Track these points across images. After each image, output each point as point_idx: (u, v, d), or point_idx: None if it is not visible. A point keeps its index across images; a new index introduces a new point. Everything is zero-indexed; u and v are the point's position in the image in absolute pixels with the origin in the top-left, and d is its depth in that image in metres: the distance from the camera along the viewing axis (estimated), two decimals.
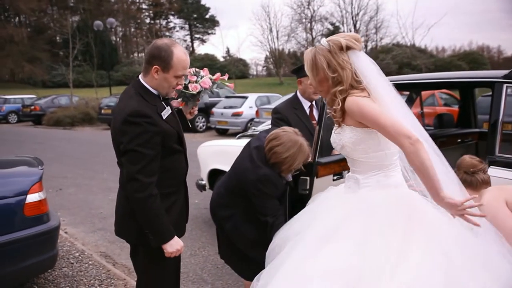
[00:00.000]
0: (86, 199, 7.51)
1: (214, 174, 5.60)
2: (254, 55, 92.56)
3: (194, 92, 2.76)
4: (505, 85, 3.28)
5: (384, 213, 2.07)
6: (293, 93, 4.01)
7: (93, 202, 7.29)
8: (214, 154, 5.70)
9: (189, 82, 2.76)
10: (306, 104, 3.85)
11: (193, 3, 66.92)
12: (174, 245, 2.43)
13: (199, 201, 6.78)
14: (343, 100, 2.17)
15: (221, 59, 55.52)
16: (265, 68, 64.03)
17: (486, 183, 2.79)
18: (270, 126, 6.22)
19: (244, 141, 5.51)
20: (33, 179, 3.60)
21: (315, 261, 2.03)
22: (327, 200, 2.41)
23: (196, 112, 2.95)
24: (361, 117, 2.11)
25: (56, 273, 4.38)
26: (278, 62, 48.27)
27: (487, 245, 2.08)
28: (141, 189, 2.31)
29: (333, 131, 2.34)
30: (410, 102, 5.16)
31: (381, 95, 2.15)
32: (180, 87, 2.58)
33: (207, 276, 4.30)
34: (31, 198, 3.52)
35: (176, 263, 2.65)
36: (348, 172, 2.40)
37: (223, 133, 17.11)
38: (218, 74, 2.96)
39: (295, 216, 2.50)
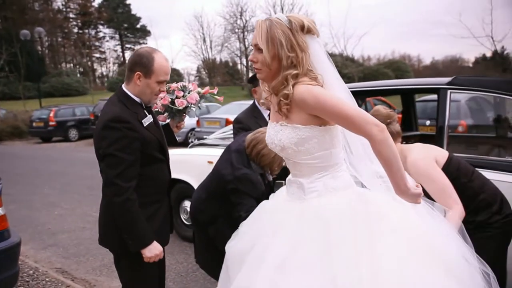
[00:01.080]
0: (30, 215, 7.21)
1: (170, 183, 5.59)
2: (187, 65, 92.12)
3: (180, 108, 2.79)
4: (449, 91, 3.62)
5: (341, 225, 1.89)
6: (252, 103, 4.14)
7: (38, 218, 7.01)
8: (172, 163, 5.70)
9: (176, 97, 2.79)
10: (265, 113, 3.99)
11: (123, 13, 65.62)
12: (152, 250, 2.44)
13: None
14: (293, 87, 1.92)
15: None
16: (197, 77, 64.00)
17: (399, 134, 2.82)
18: (223, 134, 6.35)
19: (196, 150, 5.61)
20: None
21: None
22: (272, 213, 2.17)
23: (183, 126, 3.00)
24: (317, 108, 1.87)
25: None
26: (212, 72, 48.40)
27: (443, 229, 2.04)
28: (119, 193, 2.35)
29: (268, 127, 2.12)
30: None
31: (336, 86, 2.00)
32: (163, 94, 2.63)
33: (172, 285, 4.31)
34: None
35: (160, 271, 2.69)
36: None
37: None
38: (207, 88, 3.01)
39: (244, 223, 2.37)
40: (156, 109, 2.87)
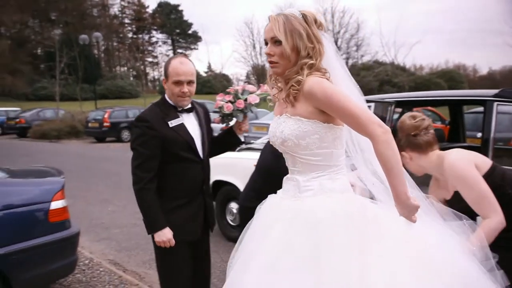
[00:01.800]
0: (85, 210, 7.63)
1: (218, 185, 5.82)
2: (236, 71, 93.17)
3: (227, 112, 2.87)
4: (495, 103, 3.63)
5: (332, 228, 1.82)
6: None
7: (93, 213, 7.42)
8: (217, 166, 5.91)
9: (226, 102, 2.89)
10: None
11: (176, 19, 67.43)
12: (160, 236, 2.66)
13: None
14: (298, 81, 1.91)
15: (204, 75, 55.91)
16: (246, 83, 64.48)
17: (431, 144, 2.62)
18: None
19: (244, 154, 5.79)
20: (56, 187, 3.79)
21: None
22: (265, 212, 2.12)
23: (244, 129, 2.99)
24: (324, 102, 1.84)
25: (70, 279, 4.53)
26: (261, 78, 48.73)
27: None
28: (136, 182, 2.68)
29: (272, 122, 2.09)
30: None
31: (343, 82, 1.98)
32: (184, 91, 2.73)
33: (216, 281, 4.50)
34: (55, 205, 3.70)
35: (185, 261, 2.84)
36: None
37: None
38: (264, 87, 2.90)
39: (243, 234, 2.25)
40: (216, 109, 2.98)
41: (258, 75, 50.00)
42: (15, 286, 3.44)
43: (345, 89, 1.93)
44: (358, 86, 2.04)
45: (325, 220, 1.83)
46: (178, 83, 2.71)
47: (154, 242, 2.78)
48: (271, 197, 2.20)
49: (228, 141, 3.08)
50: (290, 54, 1.91)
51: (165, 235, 2.68)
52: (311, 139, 1.90)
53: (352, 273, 1.72)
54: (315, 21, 1.96)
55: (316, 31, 1.94)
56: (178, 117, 2.77)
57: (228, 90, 2.94)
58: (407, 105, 5.29)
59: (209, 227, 2.99)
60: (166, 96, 2.81)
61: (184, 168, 2.76)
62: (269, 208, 2.11)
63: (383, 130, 1.75)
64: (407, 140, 2.61)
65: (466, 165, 2.44)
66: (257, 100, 2.85)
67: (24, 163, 12.48)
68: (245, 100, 2.85)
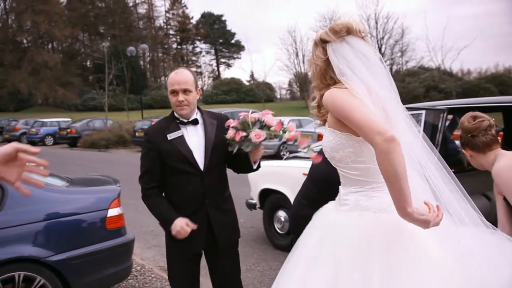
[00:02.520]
0: (135, 217, 7.83)
1: (265, 194, 5.87)
2: (278, 79, 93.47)
3: (235, 141, 2.63)
4: None
5: (356, 245, 1.79)
6: None
7: (143, 220, 7.60)
8: (265, 174, 5.97)
9: (236, 130, 2.64)
10: None
11: (219, 29, 68.47)
12: (174, 228, 2.69)
13: (245, 220, 7.06)
14: (321, 96, 1.93)
15: (247, 83, 56.41)
16: (288, 91, 64.65)
17: (489, 144, 2.59)
18: (317, 148, 6.51)
19: (291, 162, 5.81)
20: (113, 195, 3.95)
21: None
22: (314, 222, 2.15)
23: (254, 159, 2.81)
24: (333, 111, 1.84)
25: (124, 284, 4.67)
26: (304, 86, 48.70)
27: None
28: (142, 191, 2.88)
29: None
30: (453, 126, 5.37)
31: (359, 88, 1.83)
32: (180, 100, 2.72)
33: None
34: (112, 212, 3.86)
35: (191, 273, 2.99)
36: None
37: None
38: (297, 133, 2.69)
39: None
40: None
41: (301, 82, 49.99)
42: None
43: (361, 91, 1.81)
44: (390, 82, 1.94)
45: (346, 242, 1.82)
46: (174, 92, 2.75)
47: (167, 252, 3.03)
48: (327, 205, 2.19)
49: (240, 164, 2.90)
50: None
51: (177, 226, 2.69)
52: (345, 153, 1.87)
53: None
54: (316, 43, 2.00)
55: (315, 54, 1.98)
56: (179, 129, 2.79)
57: (240, 116, 2.67)
58: (459, 112, 5.17)
59: (218, 240, 2.86)
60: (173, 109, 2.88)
61: (182, 180, 2.78)
62: (316, 219, 2.14)
63: (384, 138, 1.62)
64: (466, 140, 2.65)
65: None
66: (261, 138, 2.56)
67: (76, 171, 12.96)
68: (247, 136, 2.59)
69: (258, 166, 2.87)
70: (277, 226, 5.77)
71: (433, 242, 1.78)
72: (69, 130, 25.41)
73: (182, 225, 2.66)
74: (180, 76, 2.75)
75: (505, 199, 2.48)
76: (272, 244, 5.83)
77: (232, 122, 2.66)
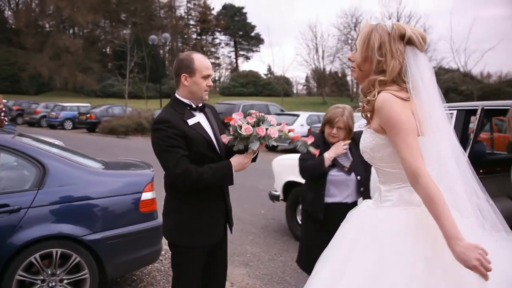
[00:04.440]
0: (157, 203, 7.98)
1: (289, 186, 5.94)
2: (295, 73, 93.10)
3: (244, 134, 2.56)
4: None
5: (402, 240, 1.83)
6: None
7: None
8: (289, 167, 6.03)
9: (247, 123, 2.60)
10: None
11: (239, 21, 68.42)
12: (237, 167, 2.63)
13: (265, 212, 7.14)
14: (378, 93, 1.92)
15: (264, 77, 56.39)
16: (305, 86, 64.45)
17: None
18: None
19: None
20: (147, 179, 4.05)
21: None
22: (351, 218, 2.22)
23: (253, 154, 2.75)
24: (385, 120, 1.88)
25: (150, 267, 4.79)
26: (322, 82, 48.54)
27: None
28: (185, 179, 2.54)
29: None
30: (481, 127, 5.39)
31: (426, 100, 1.89)
32: (210, 85, 2.70)
33: (289, 279, 4.62)
34: (145, 196, 3.96)
35: (200, 265, 2.79)
36: None
37: (272, 149, 17.47)
38: (298, 134, 2.73)
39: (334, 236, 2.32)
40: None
41: (319, 78, 49.83)
42: (108, 269, 3.71)
43: (426, 106, 1.87)
44: (443, 109, 1.96)
45: (388, 233, 1.87)
46: (207, 76, 2.69)
47: (171, 245, 2.81)
48: (364, 202, 2.29)
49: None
50: (363, 64, 1.98)
51: (239, 164, 2.65)
52: (386, 152, 1.94)
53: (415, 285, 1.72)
54: (402, 36, 1.92)
55: (396, 47, 1.92)
56: (194, 116, 2.72)
57: (251, 112, 2.66)
58: (489, 113, 5.17)
59: (230, 228, 2.93)
60: (179, 95, 2.74)
61: None
62: (355, 215, 2.20)
63: (413, 180, 1.78)
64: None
65: None
66: (276, 135, 2.57)
67: (98, 156, 13.15)
68: (266, 129, 2.56)
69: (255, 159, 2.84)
70: (299, 218, 5.83)
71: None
72: (88, 115, 25.69)
73: (241, 162, 2.65)
74: (209, 61, 2.74)
75: None
76: (294, 236, 5.90)
77: (237, 118, 2.63)
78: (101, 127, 24.10)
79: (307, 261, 3.30)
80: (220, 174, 2.63)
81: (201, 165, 2.60)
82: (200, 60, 2.68)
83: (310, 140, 2.71)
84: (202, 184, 2.60)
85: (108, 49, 63.70)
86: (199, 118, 2.74)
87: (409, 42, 1.93)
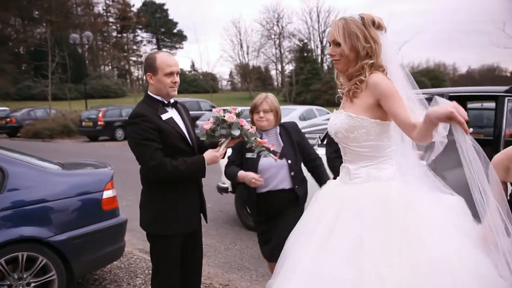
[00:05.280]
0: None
1: None
2: (220, 70, 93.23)
3: (228, 121, 2.83)
4: (506, 98, 4.06)
5: (375, 211, 2.06)
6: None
7: None
8: None
9: (229, 113, 2.87)
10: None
11: (160, 18, 67.17)
12: (211, 161, 2.83)
13: (212, 205, 7.30)
14: (370, 74, 2.15)
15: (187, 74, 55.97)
16: (230, 82, 64.88)
17: None
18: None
19: None
20: (107, 177, 4.10)
21: (317, 271, 2.06)
22: (322, 196, 2.41)
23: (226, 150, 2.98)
24: (384, 95, 2.09)
25: (110, 266, 4.81)
26: (248, 77, 49.13)
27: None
28: (160, 170, 2.70)
29: (333, 113, 2.38)
30: None
31: (399, 79, 2.17)
32: (175, 81, 2.84)
33: (248, 264, 4.85)
34: (107, 194, 4.02)
35: (178, 252, 2.95)
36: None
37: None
38: (265, 140, 3.06)
39: (304, 214, 2.52)
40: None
41: (244, 73, 50.37)
42: (75, 269, 3.74)
43: (400, 85, 2.14)
44: (413, 81, 2.23)
45: (367, 207, 2.08)
46: (171, 74, 2.80)
47: (149, 235, 2.95)
48: (329, 182, 2.56)
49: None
50: (349, 54, 2.18)
51: (212, 158, 2.83)
52: (359, 133, 2.16)
53: (392, 256, 1.92)
54: (373, 22, 2.18)
55: (373, 32, 2.17)
56: (167, 111, 2.87)
57: (230, 109, 2.92)
58: (456, 100, 5.63)
59: (205, 218, 3.12)
60: (150, 92, 2.89)
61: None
62: (325, 193, 2.41)
63: (412, 129, 1.98)
64: None
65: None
66: (252, 130, 2.91)
67: None
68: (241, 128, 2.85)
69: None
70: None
71: (425, 209, 2.06)
72: (8, 119, 24.34)
73: (214, 155, 2.83)
74: (174, 59, 2.86)
75: None
76: (244, 225, 6.14)
77: (218, 110, 2.91)
78: (23, 131, 22.94)
79: (268, 248, 3.44)
80: (194, 167, 2.81)
81: (174, 158, 2.76)
82: (161, 58, 2.82)
83: (272, 147, 2.99)
84: (176, 176, 2.76)
85: (21, 49, 60.09)
86: (171, 113, 2.90)
87: (379, 26, 2.20)
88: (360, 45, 2.15)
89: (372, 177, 2.19)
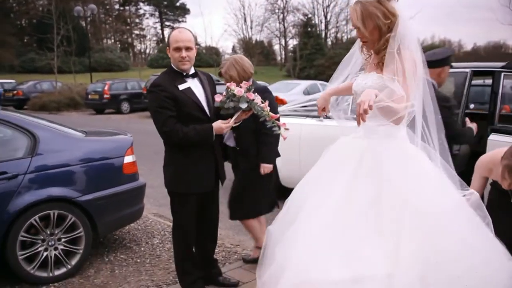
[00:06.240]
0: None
1: None
2: (223, 44, 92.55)
3: (237, 94, 3.03)
4: (502, 74, 4.32)
5: (393, 167, 2.29)
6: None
7: None
8: None
9: (240, 87, 3.08)
10: None
11: None
12: (218, 130, 3.13)
13: None
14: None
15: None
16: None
17: None
18: (293, 107, 7.08)
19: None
20: (127, 144, 4.42)
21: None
22: (339, 148, 2.57)
23: (237, 121, 3.21)
24: (404, 63, 2.28)
25: (128, 228, 5.16)
26: (252, 52, 48.96)
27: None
28: (170, 136, 3.08)
29: (359, 77, 2.55)
30: None
31: (414, 42, 2.36)
32: (183, 56, 3.10)
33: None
34: (127, 159, 4.33)
35: (194, 210, 3.34)
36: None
37: None
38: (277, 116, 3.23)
39: (313, 169, 2.67)
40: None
41: (248, 48, 50.16)
42: (99, 227, 4.08)
43: (414, 46, 2.35)
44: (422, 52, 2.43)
45: (387, 160, 2.32)
46: (178, 49, 3.09)
47: (169, 192, 3.33)
48: (343, 137, 2.66)
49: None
50: (372, 35, 2.38)
51: (218, 128, 3.12)
52: (384, 93, 2.27)
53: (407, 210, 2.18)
54: None
55: (390, 6, 2.32)
56: (185, 81, 3.17)
57: (241, 84, 3.12)
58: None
59: (221, 181, 3.45)
60: (172, 65, 3.21)
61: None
62: (343, 145, 2.57)
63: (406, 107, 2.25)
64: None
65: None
66: (260, 103, 3.07)
67: None
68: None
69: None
70: None
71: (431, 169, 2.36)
72: (15, 92, 24.58)
73: (220, 126, 3.12)
74: (183, 35, 3.12)
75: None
76: None
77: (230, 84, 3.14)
78: (30, 103, 23.19)
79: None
80: (203, 133, 3.14)
81: (189, 124, 3.09)
82: (172, 34, 3.16)
83: (283, 126, 3.13)
84: (186, 141, 3.10)
85: (23, 22, 59.75)
86: (190, 83, 3.22)
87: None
88: (381, 23, 2.32)
89: (389, 135, 2.40)
